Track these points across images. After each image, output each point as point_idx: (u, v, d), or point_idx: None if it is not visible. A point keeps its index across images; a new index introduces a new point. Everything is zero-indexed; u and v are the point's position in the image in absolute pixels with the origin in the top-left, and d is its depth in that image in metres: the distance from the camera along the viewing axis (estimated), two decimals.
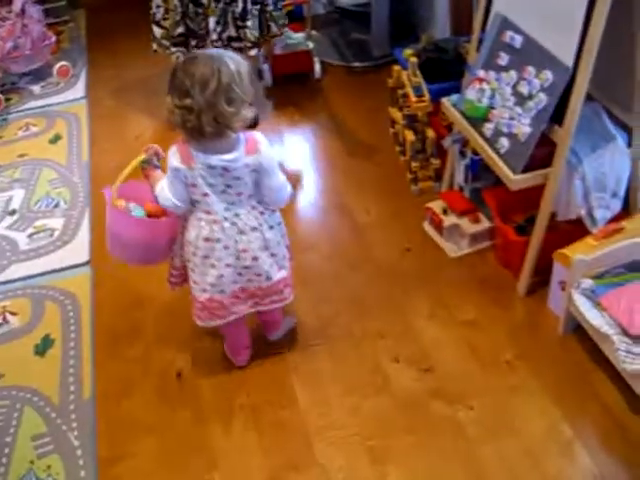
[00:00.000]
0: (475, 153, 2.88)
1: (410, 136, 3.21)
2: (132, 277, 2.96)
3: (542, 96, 2.45)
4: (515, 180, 2.53)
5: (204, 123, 2.02)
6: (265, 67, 4.17)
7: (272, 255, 2.32)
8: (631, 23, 2.32)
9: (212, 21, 3.51)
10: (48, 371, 2.62)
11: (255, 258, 2.28)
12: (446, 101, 2.91)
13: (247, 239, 2.25)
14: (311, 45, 4.15)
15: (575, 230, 2.60)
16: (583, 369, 2.46)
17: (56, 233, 3.25)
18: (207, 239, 2.23)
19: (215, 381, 2.55)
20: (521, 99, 2.54)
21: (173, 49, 3.66)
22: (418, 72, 3.14)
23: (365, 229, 3.14)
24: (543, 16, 2.48)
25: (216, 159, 2.11)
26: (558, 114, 2.41)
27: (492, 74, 2.67)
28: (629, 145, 2.58)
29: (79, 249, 3.16)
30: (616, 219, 2.60)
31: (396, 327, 2.68)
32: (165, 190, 2.20)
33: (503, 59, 2.63)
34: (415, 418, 2.37)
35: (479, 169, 3.00)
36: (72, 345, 2.71)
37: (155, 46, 3.72)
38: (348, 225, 3.18)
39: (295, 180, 2.57)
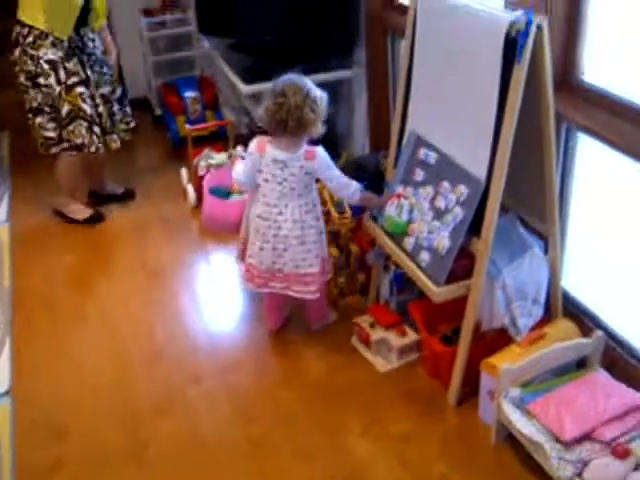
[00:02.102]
0: (399, 267, 2.92)
1: (334, 252, 3.25)
2: (52, 407, 2.86)
3: (458, 210, 2.53)
4: (438, 292, 2.56)
5: (289, 119, 2.63)
6: (189, 187, 4.21)
7: (307, 251, 2.86)
8: (539, 137, 2.42)
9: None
10: None
11: (291, 245, 2.83)
12: (367, 218, 2.97)
13: (289, 227, 2.80)
14: None
15: (501, 338, 2.64)
16: (517, 479, 2.45)
17: None
18: (259, 216, 2.85)
19: None
20: (439, 213, 2.61)
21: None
22: None
23: (294, 346, 3.12)
24: (454, 134, 2.58)
25: (281, 154, 2.72)
26: (476, 226, 2.48)
27: (410, 190, 2.75)
28: (546, 252, 2.66)
29: None
30: (539, 325, 2.65)
31: (328, 446, 2.63)
32: (239, 167, 2.91)
33: (419, 175, 2.71)
34: None
35: (403, 282, 3.05)
36: None
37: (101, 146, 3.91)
38: (276, 342, 3.15)
39: None
